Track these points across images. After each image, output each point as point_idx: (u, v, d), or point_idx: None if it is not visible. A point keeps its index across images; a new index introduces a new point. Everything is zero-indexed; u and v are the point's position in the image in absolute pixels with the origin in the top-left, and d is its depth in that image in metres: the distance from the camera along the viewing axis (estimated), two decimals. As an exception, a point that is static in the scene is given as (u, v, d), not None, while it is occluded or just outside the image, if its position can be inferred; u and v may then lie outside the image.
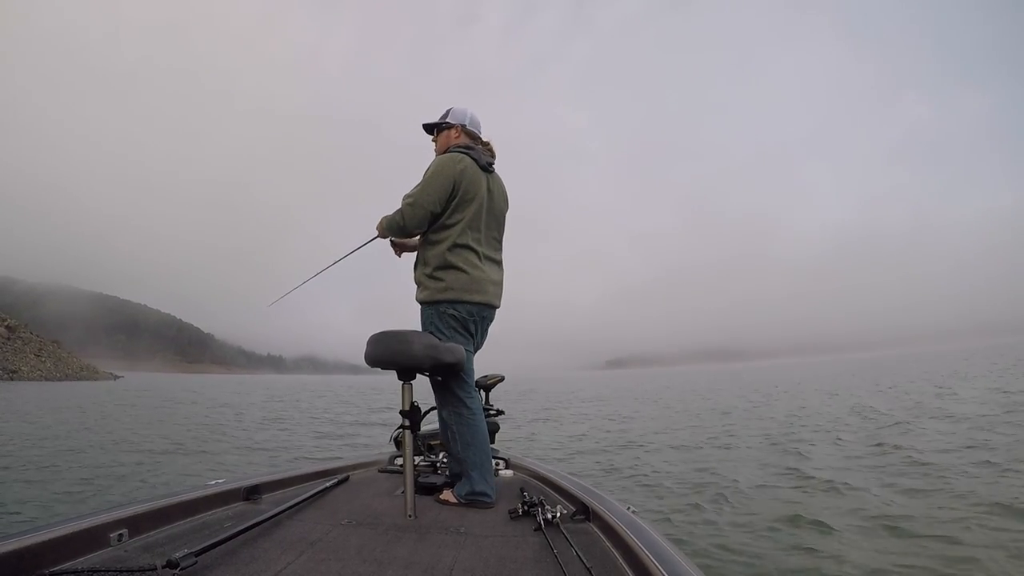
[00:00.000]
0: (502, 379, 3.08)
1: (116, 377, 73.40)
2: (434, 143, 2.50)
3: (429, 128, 2.50)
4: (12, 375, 53.47)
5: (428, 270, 2.27)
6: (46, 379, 56.03)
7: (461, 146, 2.35)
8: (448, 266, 2.23)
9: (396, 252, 2.54)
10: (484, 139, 2.46)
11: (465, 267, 2.23)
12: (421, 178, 2.27)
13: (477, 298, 2.25)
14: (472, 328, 2.30)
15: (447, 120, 2.44)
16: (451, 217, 2.24)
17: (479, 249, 2.29)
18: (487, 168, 2.36)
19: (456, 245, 2.23)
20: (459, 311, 2.24)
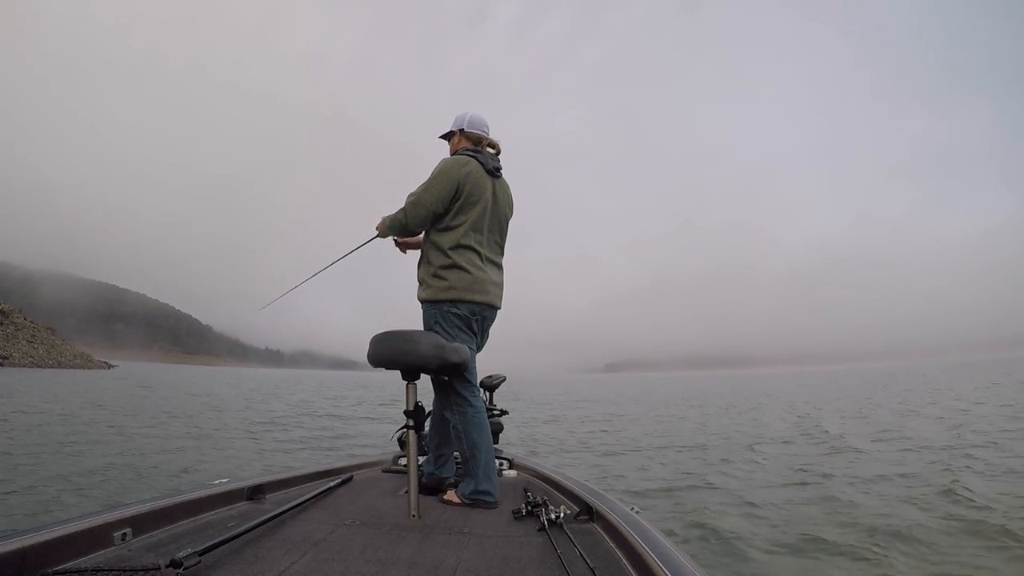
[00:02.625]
0: (504, 379, 3.09)
1: (110, 366, 72.75)
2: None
3: (446, 138, 2.55)
4: (2, 361, 52.99)
5: (432, 269, 2.29)
6: (37, 366, 55.43)
7: (467, 149, 2.38)
8: (452, 266, 2.25)
9: (401, 249, 2.57)
10: (491, 139, 2.47)
11: (468, 267, 2.26)
12: (427, 177, 2.30)
13: (479, 298, 2.28)
14: (475, 327, 2.33)
15: (452, 127, 2.50)
16: (455, 218, 2.27)
17: (481, 251, 2.32)
18: (494, 172, 2.38)
19: (460, 246, 2.26)
20: (462, 310, 2.26)
